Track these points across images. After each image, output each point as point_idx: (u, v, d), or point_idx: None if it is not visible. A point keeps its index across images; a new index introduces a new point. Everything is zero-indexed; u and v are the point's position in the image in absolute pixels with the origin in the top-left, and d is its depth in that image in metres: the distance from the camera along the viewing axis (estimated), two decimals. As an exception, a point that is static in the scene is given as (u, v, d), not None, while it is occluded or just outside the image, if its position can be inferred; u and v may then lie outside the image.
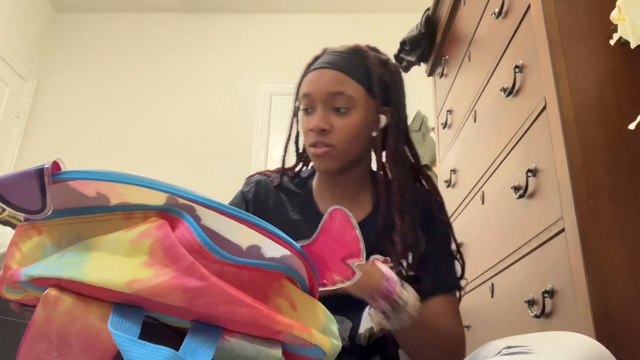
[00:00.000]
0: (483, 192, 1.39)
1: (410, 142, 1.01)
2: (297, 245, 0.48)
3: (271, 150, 3.56)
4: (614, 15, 0.82)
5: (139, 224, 0.43)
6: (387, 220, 0.91)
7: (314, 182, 1.01)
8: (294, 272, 0.48)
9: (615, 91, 0.94)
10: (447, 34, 1.89)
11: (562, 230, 0.90)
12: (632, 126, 0.79)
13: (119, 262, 0.40)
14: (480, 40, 1.50)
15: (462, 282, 1.00)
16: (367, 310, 0.86)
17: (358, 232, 0.48)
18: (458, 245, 1.01)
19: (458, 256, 1.01)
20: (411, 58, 2.09)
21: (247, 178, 1.04)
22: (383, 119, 0.95)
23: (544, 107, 1.00)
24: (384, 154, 0.97)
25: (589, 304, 0.79)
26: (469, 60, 1.59)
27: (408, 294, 0.76)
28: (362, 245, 0.48)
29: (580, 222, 0.84)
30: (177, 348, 0.38)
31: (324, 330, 0.48)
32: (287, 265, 0.47)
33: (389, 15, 3.84)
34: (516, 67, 1.15)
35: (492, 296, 1.28)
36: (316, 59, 0.98)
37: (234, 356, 0.42)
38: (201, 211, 0.45)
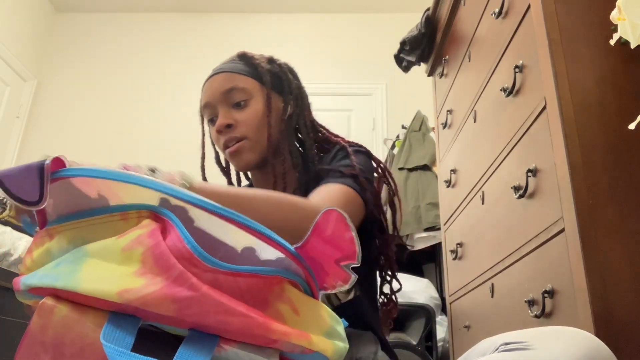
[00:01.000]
0: (483, 192, 1.39)
1: (315, 124, 1.04)
2: (291, 247, 0.47)
3: (271, 150, 3.57)
4: (614, 15, 0.82)
5: (133, 227, 0.43)
6: (278, 182, 0.94)
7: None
8: (292, 274, 0.46)
9: (615, 91, 0.94)
10: (447, 34, 1.89)
11: (562, 230, 0.90)
12: (632, 126, 0.79)
13: (111, 271, 0.40)
14: (480, 40, 1.50)
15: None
16: None
17: (354, 233, 0.46)
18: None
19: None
20: (411, 58, 2.09)
21: None
22: (288, 108, 0.98)
23: (544, 107, 1.00)
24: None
25: (589, 304, 0.79)
26: (469, 60, 1.59)
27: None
28: (358, 247, 0.46)
29: (580, 222, 0.84)
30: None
31: (329, 333, 0.47)
32: (284, 268, 0.46)
33: (389, 15, 3.84)
34: (516, 67, 1.15)
35: (492, 296, 1.28)
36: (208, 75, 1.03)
37: None
38: (194, 212, 0.45)
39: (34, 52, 3.78)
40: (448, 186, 1.78)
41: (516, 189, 1.11)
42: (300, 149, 1.02)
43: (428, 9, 2.02)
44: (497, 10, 1.31)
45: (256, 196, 0.73)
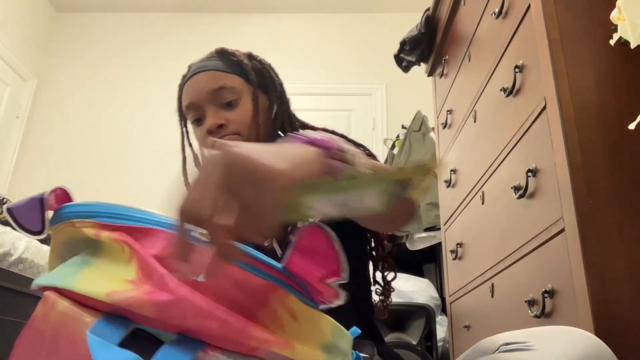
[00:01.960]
0: (483, 192, 1.39)
1: (297, 121, 1.01)
2: (278, 264, 0.45)
3: (271, 150, 3.56)
4: (614, 15, 0.82)
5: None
6: None
7: None
8: (286, 284, 0.45)
9: (615, 91, 0.94)
10: (447, 34, 1.89)
11: (562, 230, 0.90)
12: (632, 126, 0.79)
13: (107, 277, 0.43)
14: (480, 40, 1.50)
15: None
16: None
17: (338, 248, 0.44)
18: None
19: None
20: (411, 58, 2.09)
21: None
22: (274, 107, 0.97)
23: (544, 107, 1.00)
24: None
25: (589, 304, 0.79)
26: (469, 60, 1.59)
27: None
28: (344, 263, 0.44)
29: (580, 222, 0.84)
30: None
31: (327, 347, 0.46)
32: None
33: (389, 15, 3.84)
34: (516, 67, 1.15)
35: (492, 296, 1.28)
36: (184, 77, 0.99)
37: None
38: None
39: (34, 52, 3.78)
40: (448, 186, 1.78)
41: (516, 189, 1.11)
42: None
43: (428, 9, 2.02)
44: (497, 10, 1.31)
45: None
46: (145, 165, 3.52)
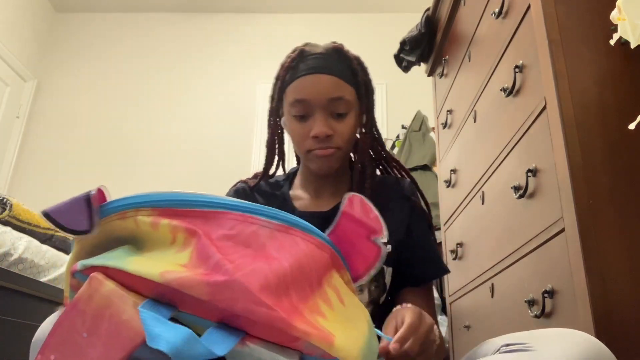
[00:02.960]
0: (483, 192, 1.39)
1: (379, 136, 1.04)
2: (324, 234, 0.50)
3: (271, 150, 3.56)
4: (614, 15, 0.82)
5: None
6: None
7: (296, 181, 1.03)
8: (341, 255, 0.51)
9: (615, 91, 0.94)
10: (447, 34, 1.89)
11: (562, 230, 0.90)
12: (632, 126, 0.79)
13: (159, 260, 0.45)
14: (480, 40, 1.50)
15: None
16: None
17: (377, 212, 0.53)
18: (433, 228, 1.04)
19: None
20: (411, 58, 2.09)
21: (230, 188, 1.06)
22: (364, 117, 0.98)
23: (544, 107, 1.00)
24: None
25: (589, 304, 0.79)
26: (469, 60, 1.59)
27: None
28: (383, 223, 0.53)
29: (580, 222, 0.84)
30: None
31: (367, 340, 0.48)
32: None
33: (389, 15, 3.84)
34: (516, 67, 1.15)
35: (492, 296, 1.28)
36: (296, 60, 0.93)
37: None
38: None
39: (34, 52, 3.78)
40: (448, 186, 1.78)
41: (516, 189, 1.11)
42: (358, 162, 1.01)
43: (428, 9, 2.02)
44: (497, 10, 1.31)
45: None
46: (146, 165, 3.52)
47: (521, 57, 1.15)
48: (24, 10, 3.67)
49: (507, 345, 0.62)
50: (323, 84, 0.89)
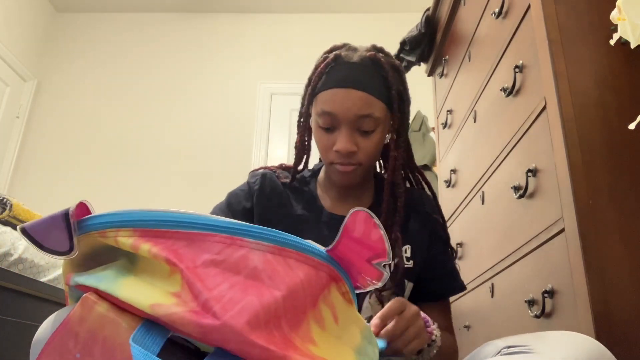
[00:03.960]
0: (483, 192, 1.39)
1: (409, 144, 1.01)
2: (322, 250, 0.48)
3: (271, 149, 3.56)
4: (614, 15, 0.82)
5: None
6: (389, 215, 0.92)
7: (319, 180, 1.02)
8: (340, 267, 0.48)
9: (615, 91, 0.94)
10: (447, 34, 1.89)
11: (562, 230, 0.90)
12: (632, 126, 0.79)
13: (151, 285, 0.43)
14: (480, 40, 1.50)
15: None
16: (367, 299, 0.88)
17: (382, 232, 0.48)
18: (450, 243, 1.03)
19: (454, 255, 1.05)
20: (411, 58, 2.09)
21: (252, 171, 1.04)
22: (396, 132, 0.96)
23: (544, 107, 1.00)
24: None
25: (589, 304, 0.79)
26: (469, 60, 1.59)
27: (436, 327, 0.77)
28: (387, 245, 0.48)
29: (580, 222, 0.84)
30: None
31: (358, 351, 0.47)
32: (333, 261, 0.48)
33: (389, 15, 3.84)
34: (516, 67, 1.15)
35: (492, 296, 1.28)
36: (330, 65, 0.91)
37: None
38: None
39: (34, 52, 3.78)
40: (448, 186, 1.78)
41: (516, 189, 1.11)
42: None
43: (428, 9, 2.02)
44: (497, 10, 1.31)
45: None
46: (146, 165, 3.52)
47: (521, 57, 1.15)
48: (25, 10, 3.67)
49: (509, 347, 0.62)
50: (353, 100, 0.87)
